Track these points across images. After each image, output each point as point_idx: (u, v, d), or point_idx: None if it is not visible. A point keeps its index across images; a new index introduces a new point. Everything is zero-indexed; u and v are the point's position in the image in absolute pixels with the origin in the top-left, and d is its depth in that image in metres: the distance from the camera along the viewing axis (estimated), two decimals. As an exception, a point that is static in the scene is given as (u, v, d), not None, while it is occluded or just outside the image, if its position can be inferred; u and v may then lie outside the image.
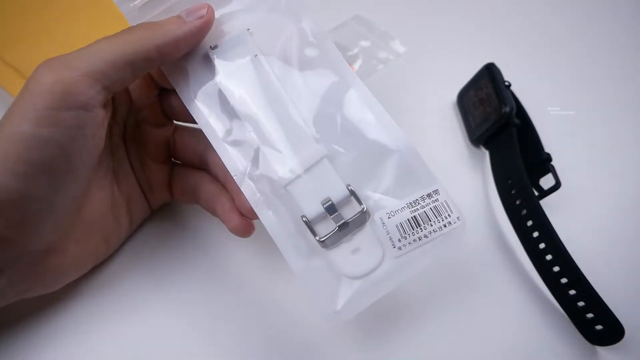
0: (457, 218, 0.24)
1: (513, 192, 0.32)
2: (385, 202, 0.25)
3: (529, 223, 0.30)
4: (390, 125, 0.26)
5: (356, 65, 0.42)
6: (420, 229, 0.24)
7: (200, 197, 0.29)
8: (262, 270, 0.31)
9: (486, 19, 0.47)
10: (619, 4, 0.49)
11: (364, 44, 0.43)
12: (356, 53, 0.42)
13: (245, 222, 0.27)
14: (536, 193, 0.32)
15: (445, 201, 0.24)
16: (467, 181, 0.36)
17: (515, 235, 0.31)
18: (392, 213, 0.24)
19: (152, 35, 0.24)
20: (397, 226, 0.24)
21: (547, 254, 0.29)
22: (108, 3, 0.40)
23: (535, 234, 0.29)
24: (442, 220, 0.24)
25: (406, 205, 0.24)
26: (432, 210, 0.24)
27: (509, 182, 0.33)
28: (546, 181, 0.33)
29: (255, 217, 0.26)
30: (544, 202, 0.31)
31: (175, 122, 0.31)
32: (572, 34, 0.46)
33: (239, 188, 0.25)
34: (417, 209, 0.24)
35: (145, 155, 0.30)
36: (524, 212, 0.30)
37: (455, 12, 0.47)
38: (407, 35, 0.43)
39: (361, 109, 0.26)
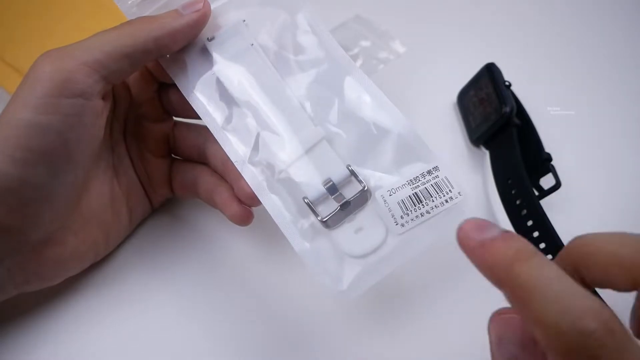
0: (459, 193, 0.24)
1: (513, 192, 0.32)
2: (386, 180, 0.25)
3: (529, 223, 0.30)
4: (388, 106, 0.26)
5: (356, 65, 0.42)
6: (422, 205, 0.24)
7: (200, 189, 0.30)
8: (263, 262, 0.31)
9: (486, 19, 0.47)
10: (619, 3, 0.49)
11: (364, 44, 0.43)
12: (356, 53, 0.42)
13: (244, 209, 0.27)
14: (536, 193, 0.32)
15: (446, 177, 0.25)
16: (467, 181, 0.36)
17: (515, 235, 0.31)
18: (393, 190, 0.25)
19: (149, 28, 0.25)
20: (398, 203, 0.24)
21: (547, 254, 0.29)
22: (108, 3, 0.40)
23: (536, 234, 0.29)
24: (444, 196, 0.24)
25: (407, 183, 0.25)
26: (432, 186, 0.24)
27: (509, 182, 0.33)
28: (546, 181, 0.33)
29: (256, 203, 0.26)
30: (544, 202, 0.31)
31: (174, 118, 0.31)
32: (572, 34, 0.46)
33: (240, 174, 0.26)
34: (418, 185, 0.24)
35: (145, 150, 0.30)
36: (524, 212, 0.30)
37: (456, 12, 0.47)
38: (407, 35, 0.43)
39: (358, 92, 0.26)
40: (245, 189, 0.26)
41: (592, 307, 0.14)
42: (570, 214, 0.34)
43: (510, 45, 0.45)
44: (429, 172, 0.25)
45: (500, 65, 0.37)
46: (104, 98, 0.25)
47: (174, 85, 0.27)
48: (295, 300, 0.29)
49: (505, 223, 0.32)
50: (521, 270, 0.16)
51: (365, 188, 0.25)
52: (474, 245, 0.17)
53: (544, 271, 0.15)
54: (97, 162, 0.27)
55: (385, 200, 0.25)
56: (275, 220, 0.25)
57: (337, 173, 0.25)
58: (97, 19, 0.40)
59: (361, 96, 0.26)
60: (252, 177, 0.25)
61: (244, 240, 0.32)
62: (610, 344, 0.14)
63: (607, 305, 0.14)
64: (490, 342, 0.19)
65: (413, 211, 0.24)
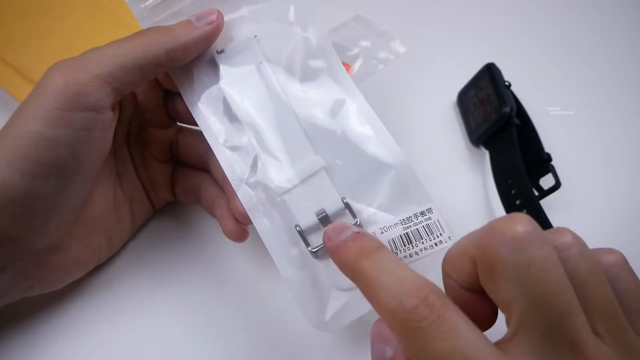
0: (449, 237, 0.24)
1: (513, 192, 0.32)
2: (379, 217, 0.25)
3: (529, 223, 0.30)
4: (389, 141, 0.26)
5: (356, 66, 0.42)
6: (412, 245, 0.24)
7: (202, 198, 0.30)
8: (263, 271, 0.31)
9: (486, 19, 0.47)
10: (619, 3, 0.49)
11: (364, 44, 0.43)
12: (356, 53, 0.42)
13: (240, 228, 0.27)
14: (536, 193, 0.32)
15: (438, 220, 0.24)
16: (467, 181, 0.36)
17: (515, 235, 0.31)
18: (385, 228, 0.25)
19: (162, 40, 0.24)
20: (389, 242, 0.24)
21: (547, 254, 0.29)
22: (108, 4, 0.40)
23: (536, 234, 0.29)
24: (434, 239, 0.24)
25: (399, 222, 0.24)
26: (424, 228, 0.24)
27: (509, 182, 0.33)
28: (546, 181, 0.33)
29: (249, 222, 0.26)
30: (544, 202, 0.31)
31: (178, 123, 0.31)
32: (572, 34, 0.46)
33: (235, 193, 0.25)
34: (410, 226, 0.24)
35: (149, 155, 0.30)
36: (524, 212, 0.30)
37: (456, 12, 0.47)
38: (407, 35, 0.43)
39: (361, 123, 0.26)
40: (239, 208, 0.26)
41: (415, 286, 0.17)
42: (570, 214, 0.34)
43: (510, 45, 0.45)
44: (422, 213, 0.25)
45: (500, 65, 0.37)
46: (113, 109, 0.25)
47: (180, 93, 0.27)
48: (294, 313, 0.29)
49: (505, 223, 0.32)
50: (364, 265, 0.18)
51: (358, 223, 0.25)
52: (333, 248, 0.20)
53: (382, 264, 0.18)
54: (101, 168, 0.27)
55: None
56: (265, 243, 0.25)
57: (332, 205, 0.25)
58: (97, 19, 0.40)
59: (364, 128, 0.26)
60: (247, 197, 0.25)
61: (246, 248, 0.31)
62: (429, 316, 0.16)
63: (430, 283, 0.17)
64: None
65: (402, 251, 0.24)
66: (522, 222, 0.17)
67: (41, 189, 0.23)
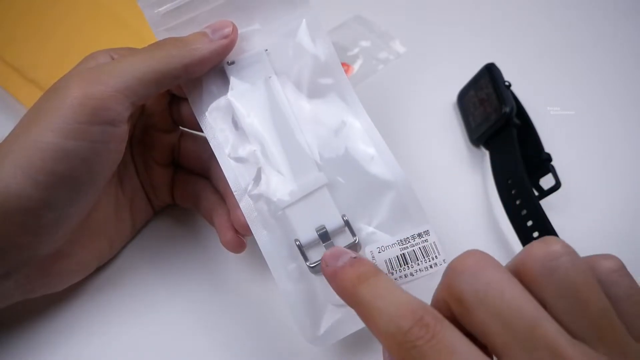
0: (443, 260, 0.25)
1: (513, 192, 0.32)
2: (378, 236, 0.25)
3: (529, 223, 0.30)
4: (391, 161, 0.26)
5: (356, 66, 0.42)
6: (408, 266, 0.24)
7: (200, 204, 0.30)
8: (262, 276, 0.31)
9: (486, 19, 0.47)
10: (619, 4, 0.49)
11: (364, 44, 0.43)
12: (356, 53, 0.42)
13: (238, 239, 0.27)
14: (536, 193, 0.32)
15: (434, 242, 0.25)
16: (467, 181, 0.36)
17: (515, 235, 0.32)
18: (382, 248, 0.25)
19: (179, 54, 0.24)
20: (385, 261, 0.25)
21: (547, 254, 0.29)
22: (109, 4, 0.40)
23: (536, 234, 0.30)
24: (429, 261, 0.25)
25: (397, 242, 0.25)
26: (420, 250, 0.25)
27: (509, 182, 0.33)
28: (546, 181, 0.33)
29: (249, 233, 0.26)
30: (544, 202, 0.31)
31: (181, 128, 0.31)
32: (572, 34, 0.46)
33: (238, 204, 0.26)
34: (407, 247, 0.25)
35: (150, 158, 0.30)
36: (524, 212, 0.31)
37: (456, 12, 0.47)
38: (407, 35, 0.43)
39: (364, 142, 0.26)
40: (241, 219, 0.26)
41: (410, 308, 0.17)
42: (570, 214, 0.34)
43: (510, 45, 0.45)
44: (419, 234, 0.25)
45: (500, 65, 0.37)
46: (127, 121, 0.25)
47: (186, 99, 0.27)
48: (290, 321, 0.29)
49: (506, 223, 0.32)
50: (361, 291, 0.19)
51: (357, 241, 0.25)
52: (330, 273, 0.20)
53: (378, 289, 0.19)
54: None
55: (373, 257, 0.25)
56: (264, 256, 0.25)
57: (332, 222, 0.25)
58: (97, 19, 0.40)
59: (367, 147, 0.26)
60: (249, 209, 0.26)
61: (246, 250, 0.31)
62: (425, 335, 0.16)
63: (425, 304, 0.18)
64: None
65: (398, 271, 0.24)
66: (472, 256, 0.18)
67: (54, 200, 0.23)
